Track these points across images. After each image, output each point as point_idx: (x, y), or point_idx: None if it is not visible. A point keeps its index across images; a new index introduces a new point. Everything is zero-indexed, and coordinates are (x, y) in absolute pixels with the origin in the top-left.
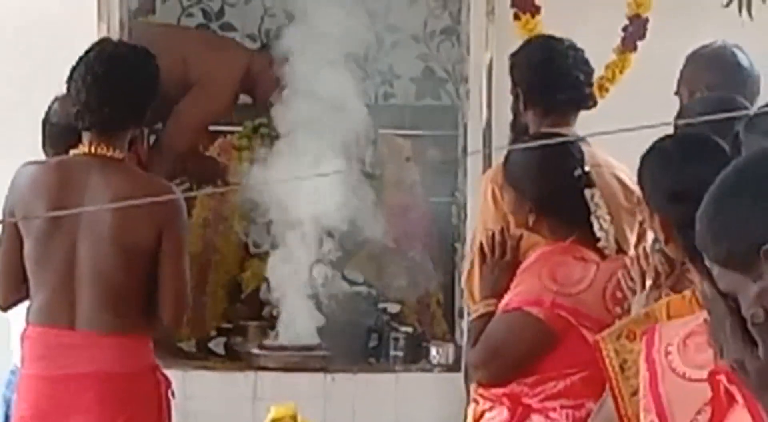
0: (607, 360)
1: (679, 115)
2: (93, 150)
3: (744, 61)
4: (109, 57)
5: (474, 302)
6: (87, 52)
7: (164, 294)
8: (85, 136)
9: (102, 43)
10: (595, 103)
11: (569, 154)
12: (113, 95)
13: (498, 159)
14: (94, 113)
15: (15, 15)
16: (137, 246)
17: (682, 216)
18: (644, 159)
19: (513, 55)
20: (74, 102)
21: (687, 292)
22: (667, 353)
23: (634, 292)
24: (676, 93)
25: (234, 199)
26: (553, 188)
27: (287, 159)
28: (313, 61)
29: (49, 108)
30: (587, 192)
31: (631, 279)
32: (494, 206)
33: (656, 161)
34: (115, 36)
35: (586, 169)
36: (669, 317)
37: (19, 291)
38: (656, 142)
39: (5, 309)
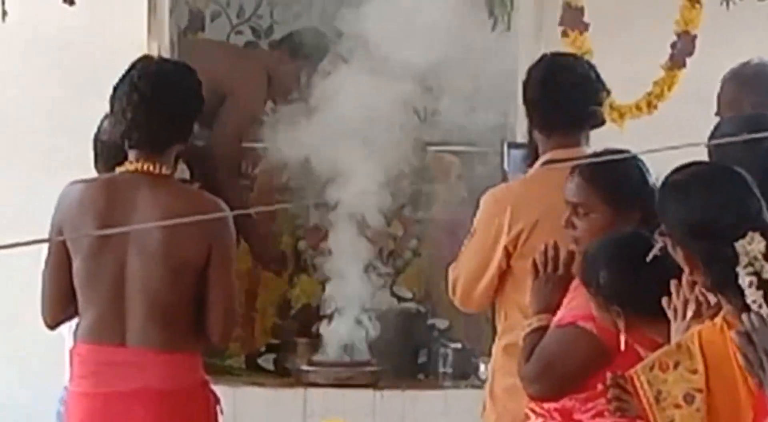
0: (641, 392)
1: (713, 136)
2: (140, 167)
3: None
4: (153, 75)
5: (454, 291)
6: (129, 70)
7: (212, 311)
8: (132, 153)
9: (144, 61)
10: (602, 122)
11: (641, 164)
12: (160, 113)
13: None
14: (141, 131)
15: (66, 33)
16: (186, 263)
17: (706, 251)
18: (661, 192)
19: (527, 72)
20: (119, 120)
21: (717, 319)
22: None
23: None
24: (717, 114)
25: (283, 216)
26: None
27: (336, 176)
28: (362, 78)
29: (100, 125)
30: None
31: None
32: (495, 235)
33: (674, 196)
34: (165, 54)
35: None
36: (701, 346)
37: (67, 310)
38: (672, 175)
39: (53, 327)
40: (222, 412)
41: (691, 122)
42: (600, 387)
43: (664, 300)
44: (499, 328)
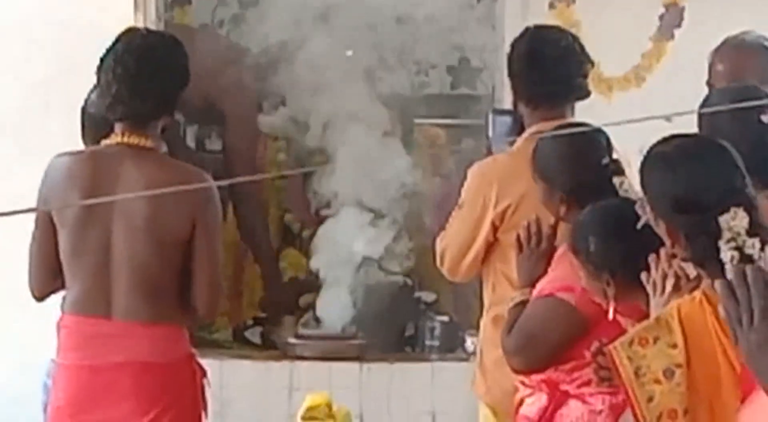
0: (621, 368)
1: (703, 107)
2: (125, 140)
3: None
4: (138, 47)
5: (442, 262)
6: (115, 43)
7: (198, 283)
8: (117, 126)
9: (129, 33)
10: (587, 94)
11: (597, 142)
12: (144, 86)
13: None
14: (125, 104)
15: (52, 7)
16: (171, 235)
17: (689, 224)
18: (645, 164)
19: (511, 45)
20: (104, 93)
21: (696, 294)
22: None
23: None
24: (708, 83)
25: (270, 189)
26: (581, 178)
27: (323, 151)
28: (348, 52)
29: (87, 98)
30: (616, 179)
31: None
32: (482, 209)
33: (657, 168)
34: (151, 27)
35: (614, 156)
36: (680, 320)
37: (54, 282)
38: (655, 146)
39: (41, 299)
40: (209, 385)
41: (680, 94)
42: (587, 355)
43: (643, 275)
44: (487, 300)
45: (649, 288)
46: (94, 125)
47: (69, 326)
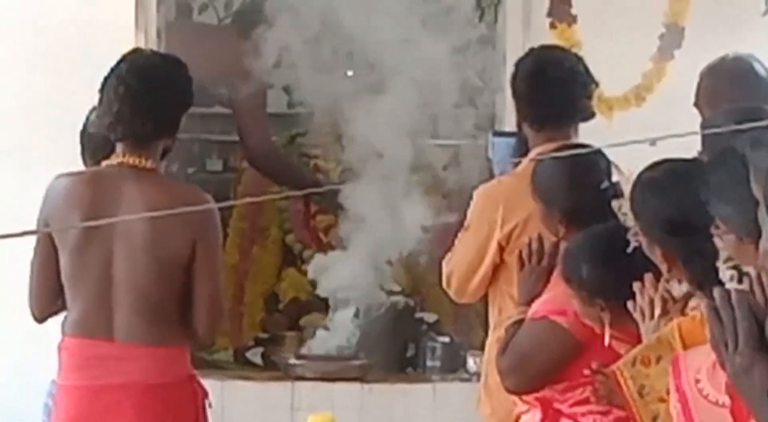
0: (625, 388)
1: (707, 128)
2: (126, 160)
3: (762, 72)
4: (141, 68)
5: (449, 284)
6: (118, 63)
7: (198, 305)
8: (118, 147)
9: (133, 54)
10: (592, 115)
11: (596, 165)
12: (146, 107)
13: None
14: (126, 125)
15: (52, 24)
16: (172, 257)
17: (684, 247)
18: (635, 191)
19: (515, 65)
20: (106, 113)
21: (696, 313)
22: (697, 381)
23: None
24: (695, 104)
25: (271, 209)
26: (580, 200)
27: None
28: (352, 69)
29: (87, 118)
30: (614, 203)
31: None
32: (489, 231)
33: (649, 193)
34: (152, 44)
35: (615, 178)
36: (682, 339)
37: (55, 304)
38: (644, 172)
39: (42, 321)
40: (210, 406)
41: (679, 114)
42: (581, 377)
43: (630, 304)
44: (492, 322)
45: (636, 316)
46: (94, 145)
47: (70, 348)
